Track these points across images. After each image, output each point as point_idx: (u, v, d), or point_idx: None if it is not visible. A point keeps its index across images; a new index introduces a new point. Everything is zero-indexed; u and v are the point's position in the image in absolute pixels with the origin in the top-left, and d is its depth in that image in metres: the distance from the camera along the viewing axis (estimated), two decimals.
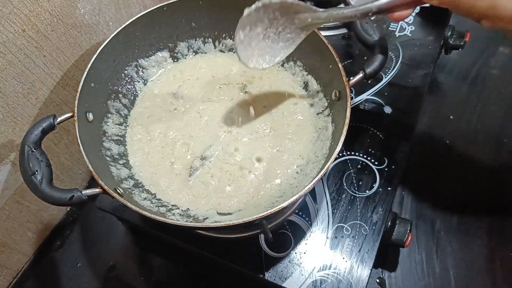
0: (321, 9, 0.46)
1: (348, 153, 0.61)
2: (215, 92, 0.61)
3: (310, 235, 0.55)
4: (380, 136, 0.62)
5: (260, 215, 0.41)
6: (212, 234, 0.56)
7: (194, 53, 0.64)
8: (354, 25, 0.52)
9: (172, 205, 0.51)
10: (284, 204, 0.41)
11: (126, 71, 0.59)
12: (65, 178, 0.66)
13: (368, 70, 0.49)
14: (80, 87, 0.50)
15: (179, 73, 0.63)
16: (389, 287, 0.59)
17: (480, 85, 0.79)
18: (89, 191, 0.43)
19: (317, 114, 0.56)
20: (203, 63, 0.64)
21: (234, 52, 0.64)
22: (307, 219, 0.56)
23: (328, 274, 0.52)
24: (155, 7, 0.57)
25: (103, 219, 0.68)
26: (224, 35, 0.63)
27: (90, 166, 0.44)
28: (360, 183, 0.58)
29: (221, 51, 0.64)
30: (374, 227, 0.54)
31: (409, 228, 0.55)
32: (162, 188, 0.53)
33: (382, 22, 0.74)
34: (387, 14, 0.43)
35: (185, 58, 0.64)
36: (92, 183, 0.69)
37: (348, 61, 0.70)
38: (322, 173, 0.43)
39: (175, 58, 0.64)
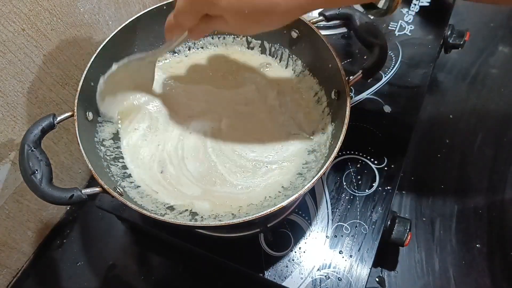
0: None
1: (348, 152, 0.61)
2: (206, 90, 0.60)
3: (309, 234, 0.55)
4: (380, 135, 0.62)
5: (259, 214, 0.41)
6: (211, 233, 0.56)
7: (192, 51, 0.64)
8: (353, 24, 0.52)
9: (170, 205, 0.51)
10: (284, 203, 0.41)
11: None
12: (65, 177, 0.66)
13: (368, 69, 0.49)
14: (79, 86, 0.49)
15: (169, 68, 0.63)
16: (388, 286, 0.59)
17: (480, 84, 0.79)
18: (89, 190, 0.43)
19: None
20: (192, 60, 0.63)
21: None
22: (306, 218, 0.56)
23: (327, 273, 0.52)
24: (154, 6, 0.57)
25: (102, 218, 0.68)
26: (224, 33, 0.63)
27: (90, 165, 0.44)
28: (360, 182, 0.58)
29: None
30: (373, 226, 0.55)
31: (408, 227, 0.55)
32: (153, 188, 0.52)
33: (381, 22, 0.74)
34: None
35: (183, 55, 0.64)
36: (92, 182, 0.69)
37: (348, 60, 0.70)
38: (321, 172, 0.43)
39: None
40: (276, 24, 0.41)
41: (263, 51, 0.62)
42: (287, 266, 0.53)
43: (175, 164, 0.54)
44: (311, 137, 0.56)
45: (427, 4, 0.75)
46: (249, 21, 0.39)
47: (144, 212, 0.42)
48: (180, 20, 0.43)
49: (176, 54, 0.63)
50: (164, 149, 0.55)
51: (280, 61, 0.62)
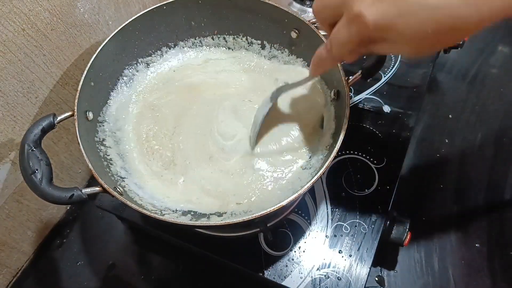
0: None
1: (347, 152, 0.61)
2: (204, 92, 0.60)
3: (309, 234, 0.55)
4: (379, 135, 0.62)
5: (259, 213, 0.41)
6: (211, 232, 0.56)
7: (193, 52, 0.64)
8: None
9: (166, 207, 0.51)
10: (284, 203, 0.41)
11: (126, 70, 0.59)
12: (65, 177, 0.66)
13: (367, 69, 0.49)
14: (80, 86, 0.49)
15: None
16: (388, 286, 0.59)
17: (480, 84, 0.79)
18: (89, 190, 0.43)
19: None
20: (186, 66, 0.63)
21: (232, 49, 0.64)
22: (306, 217, 0.56)
23: (327, 273, 0.52)
24: (154, 6, 0.57)
25: (102, 218, 0.68)
26: (224, 33, 0.63)
27: (90, 165, 0.44)
28: (359, 182, 0.58)
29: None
30: (373, 226, 0.55)
31: (408, 227, 0.55)
32: (152, 190, 0.52)
33: None
34: None
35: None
36: (92, 181, 0.69)
37: None
38: (321, 171, 0.43)
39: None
40: (459, 40, 0.35)
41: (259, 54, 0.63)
42: (286, 266, 0.53)
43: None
44: (310, 137, 0.56)
45: None
46: (428, 42, 0.32)
47: (144, 211, 0.42)
48: (341, 53, 0.36)
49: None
50: (158, 153, 0.55)
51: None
